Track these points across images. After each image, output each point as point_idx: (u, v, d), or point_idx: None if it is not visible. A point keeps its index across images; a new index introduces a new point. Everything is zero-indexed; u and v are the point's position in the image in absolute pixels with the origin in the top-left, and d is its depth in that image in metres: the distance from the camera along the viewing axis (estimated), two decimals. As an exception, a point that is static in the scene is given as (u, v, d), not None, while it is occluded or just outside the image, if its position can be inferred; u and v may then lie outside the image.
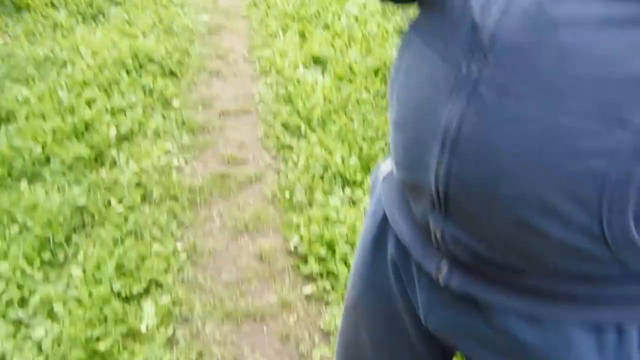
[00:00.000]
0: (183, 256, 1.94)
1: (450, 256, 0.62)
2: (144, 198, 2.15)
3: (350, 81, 3.12)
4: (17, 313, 1.62)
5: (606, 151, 0.47)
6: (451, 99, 0.53)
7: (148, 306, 1.71)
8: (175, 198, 2.20)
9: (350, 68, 3.24)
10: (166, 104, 2.83)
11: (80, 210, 2.01)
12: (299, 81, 3.11)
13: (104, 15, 3.70)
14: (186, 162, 2.46)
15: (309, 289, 1.87)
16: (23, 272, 1.73)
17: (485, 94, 0.51)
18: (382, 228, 0.77)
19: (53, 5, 3.64)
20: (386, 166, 0.79)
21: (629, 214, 0.48)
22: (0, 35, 3.13)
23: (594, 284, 0.55)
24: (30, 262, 1.76)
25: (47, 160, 2.19)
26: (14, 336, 1.57)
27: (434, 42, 0.58)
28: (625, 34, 0.45)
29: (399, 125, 0.64)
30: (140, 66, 3.07)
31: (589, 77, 0.47)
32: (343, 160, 2.44)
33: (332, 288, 1.87)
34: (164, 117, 2.70)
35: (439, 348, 0.78)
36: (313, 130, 2.70)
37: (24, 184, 2.05)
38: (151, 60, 3.14)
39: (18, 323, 1.62)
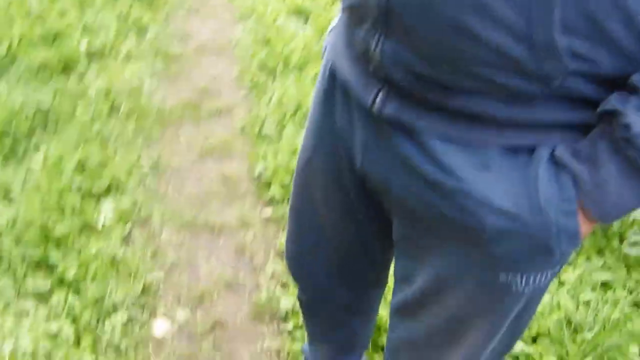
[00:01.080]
0: (146, 167, 1.97)
1: (387, 81, 0.66)
2: (111, 110, 2.17)
3: (331, 35, 3.17)
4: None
5: None
6: None
7: (107, 205, 1.74)
8: (143, 115, 2.22)
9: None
10: (141, 31, 2.83)
11: (44, 111, 2.01)
12: (279, 28, 3.15)
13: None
14: (158, 87, 2.47)
15: (268, 211, 1.92)
16: (-20, 158, 1.74)
17: None
18: (329, 81, 0.81)
19: None
20: (332, 23, 0.84)
21: (554, 14, 0.52)
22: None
23: (516, 104, 0.59)
24: (-12, 151, 1.76)
25: (13, 61, 2.18)
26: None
27: None
28: None
29: None
30: (117, -9, 3.05)
31: None
32: (316, 104, 2.50)
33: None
34: (137, 43, 2.70)
35: (376, 211, 0.82)
36: (289, 73, 2.75)
37: (-14, 79, 2.04)
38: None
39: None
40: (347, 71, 0.74)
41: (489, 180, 0.62)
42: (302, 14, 3.43)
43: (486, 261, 0.67)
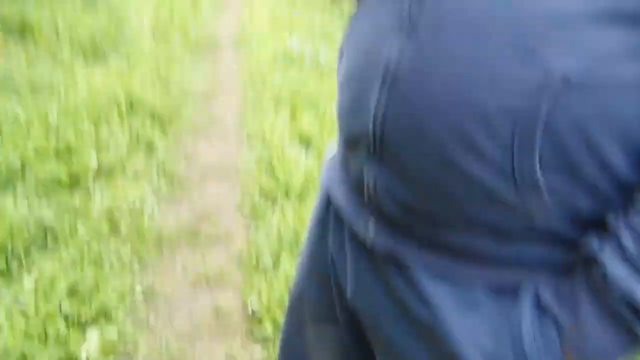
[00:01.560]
0: (139, 294, 1.95)
1: (379, 211, 0.68)
2: (111, 230, 2.18)
3: (333, 166, 3.28)
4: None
5: (519, 87, 0.54)
6: (392, 40, 0.61)
7: (93, 335, 1.70)
8: (142, 238, 2.23)
9: (334, 154, 3.42)
10: (151, 150, 2.93)
11: (45, 228, 2.03)
12: (283, 154, 3.27)
13: (105, 58, 3.88)
14: (159, 208, 2.51)
15: (259, 351, 1.88)
16: (-27, 275, 1.72)
17: (421, 33, 0.59)
18: (324, 211, 0.83)
19: (58, 39, 3.81)
20: (327, 155, 0.88)
21: (536, 152, 0.55)
22: (3, 55, 3.25)
23: (500, 240, 0.60)
24: (-17, 267, 1.75)
25: (23, 174, 2.23)
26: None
27: None
28: None
29: (345, 78, 0.71)
30: (133, 110, 3.20)
31: (507, 16, 0.55)
32: (314, 236, 2.53)
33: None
34: (146, 162, 2.78)
35: (364, 344, 0.80)
36: (289, 201, 2.81)
37: (-7, 192, 2.08)
38: (144, 107, 3.27)
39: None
40: (341, 199, 0.76)
41: (475, 322, 0.63)
42: (306, 142, 3.57)
43: None
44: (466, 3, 0.57)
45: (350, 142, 0.71)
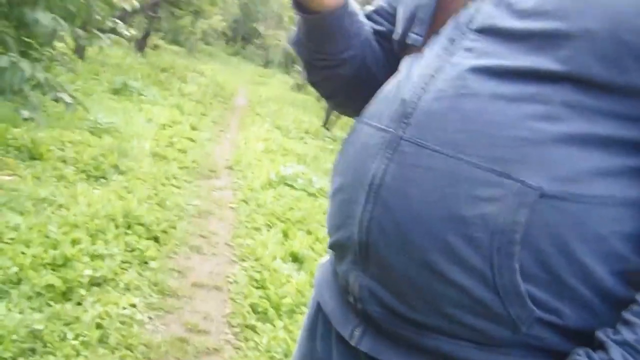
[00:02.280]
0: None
1: (365, 315, 0.71)
2: (100, 340, 2.19)
3: (323, 282, 3.34)
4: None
5: (496, 199, 0.58)
6: (379, 157, 0.68)
7: None
8: (130, 348, 2.24)
9: (325, 272, 3.49)
10: (144, 263, 3.00)
11: (35, 335, 2.04)
12: (275, 271, 3.33)
13: (106, 179, 4.06)
14: (150, 320, 2.53)
15: None
16: (-39, 379, 1.72)
17: (405, 149, 0.65)
18: (314, 317, 0.87)
19: (64, 161, 4.02)
20: (323, 259, 0.93)
21: (515, 262, 0.58)
22: (11, 174, 3.43)
23: (485, 348, 0.62)
24: (-29, 371, 1.76)
25: (19, 282, 2.28)
26: None
27: (371, 119, 0.74)
28: (512, 108, 0.61)
29: (335, 191, 0.76)
30: (129, 226, 3.31)
31: (484, 137, 0.61)
32: (303, 351, 2.53)
33: None
34: (139, 274, 2.84)
35: None
36: (280, 317, 2.83)
37: (-12, 299, 2.12)
38: (140, 223, 3.39)
39: None
40: (330, 303, 0.80)
41: None
42: (298, 260, 3.66)
43: None
44: (446, 124, 0.63)
45: (338, 249, 0.75)
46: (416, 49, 0.76)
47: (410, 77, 0.71)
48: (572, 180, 0.59)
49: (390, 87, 0.76)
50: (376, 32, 0.92)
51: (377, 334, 0.70)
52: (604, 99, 0.60)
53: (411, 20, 0.78)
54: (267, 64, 27.18)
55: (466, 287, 0.60)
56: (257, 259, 3.52)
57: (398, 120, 0.68)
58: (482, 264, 0.59)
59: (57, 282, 2.37)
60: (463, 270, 0.60)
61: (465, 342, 0.63)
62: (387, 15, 0.93)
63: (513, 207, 0.58)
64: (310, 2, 0.80)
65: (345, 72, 0.89)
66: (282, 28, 21.71)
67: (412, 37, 0.77)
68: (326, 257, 0.91)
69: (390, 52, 0.89)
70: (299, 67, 17.99)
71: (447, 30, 0.71)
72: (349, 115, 0.99)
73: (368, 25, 0.91)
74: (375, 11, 0.96)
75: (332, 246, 0.78)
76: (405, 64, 0.76)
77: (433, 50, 0.71)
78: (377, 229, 0.66)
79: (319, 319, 0.85)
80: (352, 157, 0.74)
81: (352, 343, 0.73)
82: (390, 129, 0.68)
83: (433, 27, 0.75)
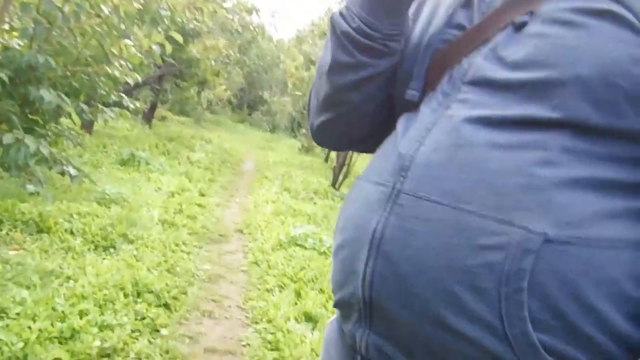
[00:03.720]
0: None
1: None
2: (109, 413, 2.13)
3: (339, 341, 3.25)
4: None
5: (500, 247, 0.58)
6: (379, 211, 0.68)
7: None
8: (141, 419, 2.16)
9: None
10: (154, 331, 2.94)
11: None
12: (288, 331, 3.26)
13: (114, 249, 4.06)
14: (160, 389, 2.46)
15: None
16: None
17: (404, 202, 0.66)
18: None
19: (72, 232, 4.03)
20: (332, 317, 0.92)
21: (525, 311, 0.56)
22: (17, 248, 3.44)
23: None
24: None
25: (25, 357, 2.24)
26: None
27: (371, 175, 0.75)
28: (510, 156, 0.61)
29: (337, 249, 0.76)
30: (138, 294, 3.27)
31: (484, 186, 0.61)
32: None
33: None
34: (149, 342, 2.78)
35: None
36: (295, 379, 2.74)
37: (-6, 376, 2.07)
38: (149, 291, 3.35)
39: None
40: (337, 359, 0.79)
41: None
42: (311, 320, 3.58)
43: None
44: (444, 175, 0.64)
45: (343, 307, 0.75)
46: (413, 105, 0.78)
47: (407, 131, 0.73)
48: (577, 224, 0.58)
49: (387, 144, 0.78)
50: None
51: None
52: (602, 143, 0.61)
53: (408, 76, 0.80)
54: (273, 129, 27.65)
55: (476, 339, 0.59)
56: (270, 321, 3.45)
57: (396, 174, 0.69)
58: (490, 315, 0.58)
59: (65, 356, 2.33)
60: (471, 321, 0.59)
61: None
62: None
63: (518, 254, 0.58)
64: None
65: (377, 65, 0.81)
66: (286, 94, 22.21)
67: (410, 93, 0.78)
68: (334, 316, 0.90)
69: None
70: (304, 131, 18.26)
71: (442, 84, 0.73)
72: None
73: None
74: None
75: (337, 304, 0.77)
76: (402, 120, 0.78)
77: (429, 105, 0.73)
78: (380, 283, 0.66)
79: None
80: (353, 213, 0.75)
81: None
82: (389, 183, 0.70)
83: (429, 83, 0.77)
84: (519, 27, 0.68)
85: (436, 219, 0.63)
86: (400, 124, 0.77)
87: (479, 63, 0.69)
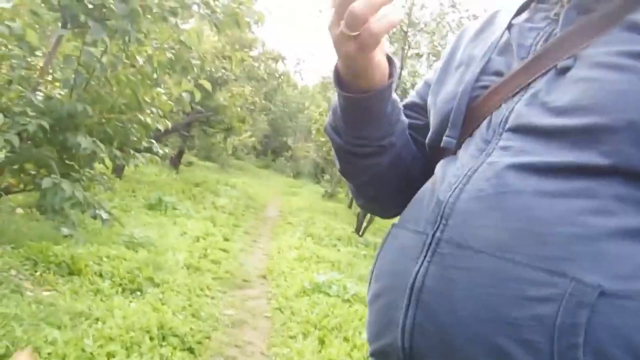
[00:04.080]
0: None
1: None
2: None
3: (363, 391, 3.24)
4: None
5: (551, 299, 0.55)
6: (418, 260, 0.67)
7: None
8: None
9: (365, 380, 3.39)
10: (179, 376, 2.98)
11: None
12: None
13: (141, 292, 4.13)
14: None
15: None
16: None
17: (445, 250, 0.64)
18: None
19: (101, 275, 4.13)
20: None
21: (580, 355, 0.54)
22: (50, 289, 3.55)
23: None
24: None
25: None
26: None
27: (408, 223, 0.75)
28: (558, 204, 0.60)
29: (374, 297, 0.75)
30: (164, 337, 3.32)
31: (531, 235, 0.59)
32: None
33: None
34: (174, 387, 2.82)
35: None
36: None
37: (25, 415, 2.13)
38: (174, 334, 3.40)
39: None
40: None
41: None
42: None
43: None
44: (488, 223, 0.62)
45: (381, 356, 0.73)
46: (449, 151, 0.78)
47: (445, 178, 0.72)
48: (634, 276, 0.56)
49: (425, 190, 0.77)
50: (411, 126, 0.92)
51: None
52: None
53: (444, 123, 0.79)
54: (297, 175, 27.92)
55: None
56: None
57: (435, 222, 0.68)
58: None
59: (93, 398, 2.38)
60: None
61: None
62: (420, 109, 0.95)
63: (571, 307, 0.55)
64: (362, 77, 0.75)
65: (381, 161, 0.86)
66: (310, 140, 22.53)
67: (446, 140, 0.78)
68: None
69: (423, 147, 0.90)
70: (328, 176, 18.44)
71: (481, 131, 0.73)
72: (377, 214, 1.02)
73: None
74: (408, 106, 0.97)
75: (375, 354, 0.75)
76: (439, 166, 0.78)
77: (467, 152, 0.72)
78: (421, 334, 0.64)
79: None
80: (390, 261, 0.74)
81: None
82: (428, 231, 0.68)
83: (465, 129, 0.76)
84: (563, 71, 0.67)
85: (479, 268, 0.60)
86: (439, 170, 0.77)
87: (521, 109, 0.68)
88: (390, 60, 0.78)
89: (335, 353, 3.76)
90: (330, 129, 0.87)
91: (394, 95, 0.83)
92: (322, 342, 4.04)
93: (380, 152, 0.85)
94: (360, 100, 0.77)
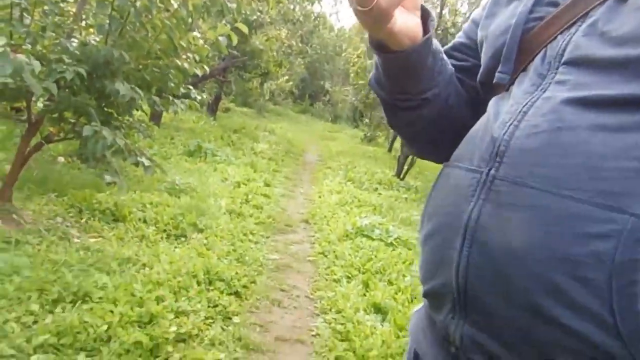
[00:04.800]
0: None
1: None
2: (188, 396, 2.22)
3: (410, 333, 3.25)
4: None
5: (610, 235, 0.55)
6: (473, 198, 0.66)
7: None
8: (218, 403, 2.25)
9: (411, 322, 3.40)
10: (227, 319, 3.04)
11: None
12: (358, 322, 3.28)
13: (186, 237, 4.21)
14: (235, 375, 2.54)
15: None
16: None
17: (500, 188, 0.64)
18: None
19: (145, 222, 4.21)
20: (416, 307, 0.91)
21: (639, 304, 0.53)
22: (96, 236, 3.63)
23: None
24: None
25: (108, 339, 2.37)
26: None
27: (461, 161, 0.74)
28: (617, 139, 0.58)
29: (427, 237, 0.75)
30: (210, 282, 3.39)
31: (589, 170, 0.58)
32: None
33: None
34: (222, 329, 2.88)
35: None
36: (367, 369, 2.76)
37: (81, 356, 2.20)
38: (220, 279, 3.46)
39: None
40: (429, 353, 0.78)
41: None
42: (380, 311, 3.59)
43: None
44: (544, 160, 0.61)
45: (434, 297, 0.74)
46: (502, 87, 0.76)
47: (499, 115, 0.70)
48: None
49: (478, 127, 0.76)
50: (458, 69, 0.91)
51: None
52: None
53: (496, 58, 0.78)
54: (335, 119, 27.74)
55: (581, 332, 0.57)
56: (339, 311, 3.49)
57: (490, 160, 0.67)
58: (599, 308, 0.56)
59: (145, 339, 2.44)
60: (577, 314, 0.57)
61: None
62: (468, 50, 0.94)
63: (630, 243, 0.55)
64: (391, 41, 0.76)
65: (427, 113, 0.87)
66: (348, 84, 22.22)
67: (499, 76, 0.76)
68: (420, 305, 0.89)
69: (473, 89, 0.89)
70: (367, 120, 18.25)
71: (535, 65, 0.71)
72: (431, 160, 0.99)
73: (449, 64, 0.89)
74: (455, 48, 0.96)
75: (428, 294, 0.76)
76: (492, 103, 0.76)
77: (521, 88, 0.71)
78: (476, 273, 0.64)
79: None
80: (443, 201, 0.74)
81: None
82: (482, 169, 0.67)
83: (519, 64, 0.74)
84: None
85: (535, 206, 0.60)
86: (491, 107, 0.75)
87: (578, 40, 0.66)
88: (425, 13, 0.79)
89: (380, 296, 3.77)
90: (374, 82, 0.88)
91: (435, 47, 0.83)
92: (366, 285, 4.06)
93: (424, 105, 0.86)
94: (395, 59, 0.79)
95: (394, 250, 5.09)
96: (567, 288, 0.56)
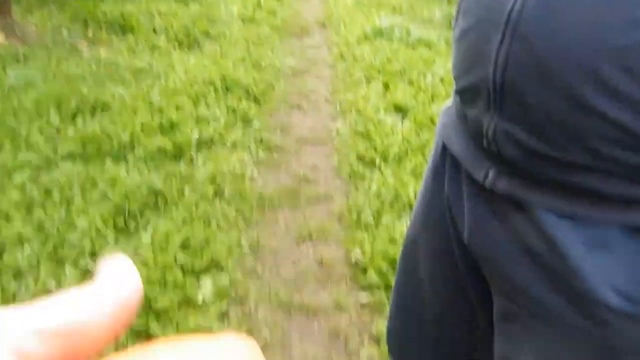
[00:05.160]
0: (245, 248, 2.08)
1: (499, 157, 0.67)
2: (215, 194, 2.34)
3: (431, 129, 3.28)
4: (86, 262, 1.80)
5: None
6: None
7: (206, 282, 1.84)
8: (245, 199, 2.38)
9: (432, 119, 3.41)
10: (247, 123, 3.09)
11: (156, 192, 2.22)
12: (379, 122, 3.31)
13: (199, 45, 4.12)
14: (259, 174, 2.65)
15: (365, 297, 1.94)
16: (98, 230, 1.93)
17: None
18: (440, 159, 0.84)
19: (155, 31, 4.10)
20: (446, 104, 0.88)
21: None
22: (106, 49, 3.57)
23: (636, 184, 0.58)
24: (105, 223, 1.96)
25: (132, 147, 2.45)
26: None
27: None
28: None
29: (463, 33, 0.71)
30: (227, 89, 3.38)
31: None
32: (415, 195, 2.55)
33: (389, 300, 1.93)
34: (243, 133, 2.94)
35: (486, 289, 0.80)
36: (388, 165, 2.84)
37: (108, 162, 2.30)
38: (238, 85, 3.45)
39: (85, 272, 1.80)
40: (459, 148, 0.77)
41: (608, 261, 0.61)
42: (401, 110, 3.59)
43: (604, 353, 0.64)
44: None
45: (468, 93, 0.72)
46: None
47: None
48: None
49: None
50: None
51: (513, 175, 0.67)
52: None
53: None
54: None
55: (620, 120, 0.56)
56: (359, 112, 3.50)
57: None
58: None
59: (168, 145, 2.52)
60: (618, 102, 0.55)
61: (616, 178, 0.60)
62: None
63: None
64: None
65: None
66: None
67: None
68: (448, 103, 0.87)
69: None
70: None
71: None
72: None
73: None
74: None
75: (462, 91, 0.74)
76: None
77: None
78: (516, 65, 0.61)
79: (446, 162, 0.83)
80: None
81: (487, 185, 0.70)
82: None
83: None
84: None
85: None
86: None
87: None
88: None
89: (401, 96, 3.74)
90: None
91: None
92: (386, 86, 4.01)
93: None
94: None
95: (414, 51, 4.94)
96: (611, 76, 0.55)
